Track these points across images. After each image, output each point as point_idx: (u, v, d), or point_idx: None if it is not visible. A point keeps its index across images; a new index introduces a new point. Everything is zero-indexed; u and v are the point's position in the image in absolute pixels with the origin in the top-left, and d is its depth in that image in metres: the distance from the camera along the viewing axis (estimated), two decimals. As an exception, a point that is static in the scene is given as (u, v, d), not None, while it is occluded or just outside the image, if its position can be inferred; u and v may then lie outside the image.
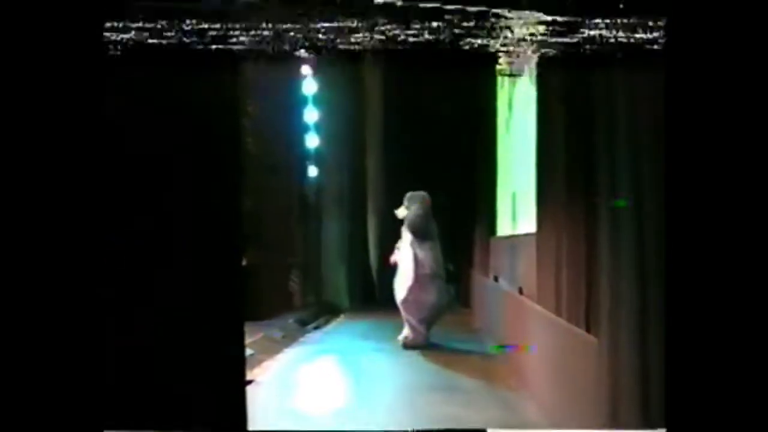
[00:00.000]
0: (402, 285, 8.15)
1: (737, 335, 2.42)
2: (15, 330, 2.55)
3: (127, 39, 3.14)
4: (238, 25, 3.28)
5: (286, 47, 3.37)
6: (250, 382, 5.33)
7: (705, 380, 2.42)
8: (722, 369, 2.42)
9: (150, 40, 3.16)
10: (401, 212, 8.35)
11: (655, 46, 2.99)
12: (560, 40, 3.26)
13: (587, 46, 3.20)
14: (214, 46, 3.27)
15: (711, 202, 2.48)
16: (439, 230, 8.41)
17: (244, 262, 4.23)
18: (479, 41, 3.31)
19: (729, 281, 2.44)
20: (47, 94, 2.64)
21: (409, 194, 8.41)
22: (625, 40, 3.10)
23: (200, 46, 3.21)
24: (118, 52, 3.09)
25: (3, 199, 2.59)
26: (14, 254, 2.58)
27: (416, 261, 8.07)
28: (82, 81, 2.67)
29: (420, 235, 8.15)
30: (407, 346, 7.96)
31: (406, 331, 8.12)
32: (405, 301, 8.07)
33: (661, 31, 2.96)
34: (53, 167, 2.65)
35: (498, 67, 6.51)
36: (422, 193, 8.39)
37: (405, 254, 8.21)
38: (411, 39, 3.24)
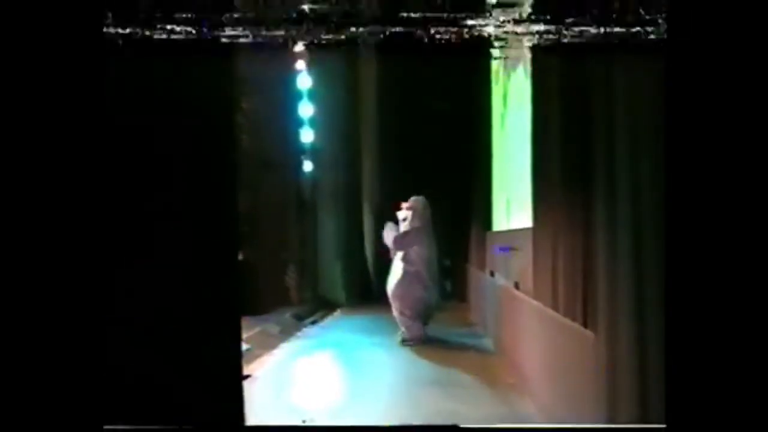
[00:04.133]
0: (392, 280, 8.28)
1: (737, 330, 2.42)
2: (15, 329, 2.54)
3: (124, 33, 3.12)
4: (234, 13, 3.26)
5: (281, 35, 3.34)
6: (247, 376, 5.34)
7: (705, 376, 2.42)
8: (722, 364, 2.41)
9: (146, 32, 3.15)
10: (402, 214, 8.43)
11: (658, 28, 2.98)
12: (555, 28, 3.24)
13: (583, 33, 3.19)
14: (208, 37, 3.24)
15: (710, 197, 2.48)
16: (435, 229, 8.43)
17: (240, 258, 4.22)
18: (475, 24, 3.29)
19: (728, 275, 2.44)
20: (43, 89, 2.62)
21: (413, 198, 8.46)
22: (624, 30, 3.09)
23: (193, 31, 3.19)
24: (117, 45, 3.08)
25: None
26: (12, 252, 2.56)
27: (407, 258, 8.16)
28: (81, 77, 2.66)
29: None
30: (406, 342, 7.97)
31: (402, 328, 8.15)
32: (392, 295, 8.19)
33: (661, 25, 2.96)
34: (50, 162, 2.63)
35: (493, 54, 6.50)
36: (424, 201, 8.44)
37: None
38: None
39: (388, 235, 8.46)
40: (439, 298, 8.62)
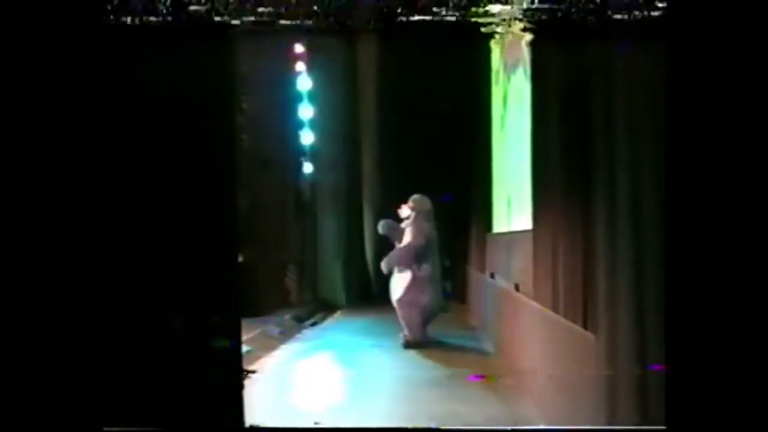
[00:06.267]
0: (399, 285, 8.16)
1: (737, 332, 2.42)
2: (15, 329, 2.54)
3: (125, 27, 3.11)
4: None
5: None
6: (252, 372, 5.31)
7: (705, 377, 2.42)
8: (722, 365, 2.41)
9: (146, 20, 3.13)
10: (404, 212, 8.33)
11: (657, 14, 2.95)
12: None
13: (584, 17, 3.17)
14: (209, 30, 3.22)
15: (711, 198, 2.48)
16: (438, 232, 8.39)
17: (240, 259, 4.21)
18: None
19: (729, 276, 2.44)
20: (43, 85, 2.62)
21: (415, 198, 8.32)
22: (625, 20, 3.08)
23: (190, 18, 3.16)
24: (115, 41, 3.06)
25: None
26: (11, 253, 2.56)
27: (415, 263, 8.09)
28: (81, 75, 2.66)
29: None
30: (408, 345, 7.93)
31: (405, 331, 8.10)
32: (400, 301, 8.09)
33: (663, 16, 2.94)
34: (49, 167, 2.63)
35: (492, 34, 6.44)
36: (428, 202, 8.31)
37: None
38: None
39: (394, 237, 8.27)
40: (444, 300, 8.60)
